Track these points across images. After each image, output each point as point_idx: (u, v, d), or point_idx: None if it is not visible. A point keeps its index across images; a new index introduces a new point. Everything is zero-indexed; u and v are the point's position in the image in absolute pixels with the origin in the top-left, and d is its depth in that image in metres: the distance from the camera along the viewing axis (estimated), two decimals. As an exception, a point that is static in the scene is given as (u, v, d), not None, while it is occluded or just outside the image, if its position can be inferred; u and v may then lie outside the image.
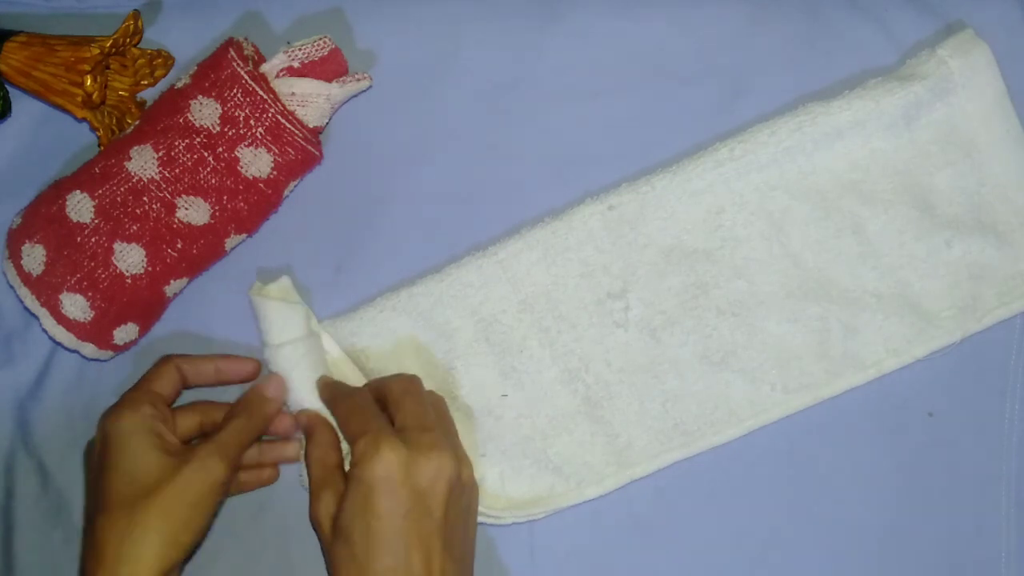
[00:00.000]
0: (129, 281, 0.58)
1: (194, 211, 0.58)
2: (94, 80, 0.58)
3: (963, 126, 0.60)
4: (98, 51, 0.58)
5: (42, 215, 0.58)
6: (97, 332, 0.58)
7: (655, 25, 0.63)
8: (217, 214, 0.58)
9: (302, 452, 0.58)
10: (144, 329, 0.61)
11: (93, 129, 0.60)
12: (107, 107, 0.62)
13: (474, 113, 0.63)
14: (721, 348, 0.60)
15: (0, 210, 0.62)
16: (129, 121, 0.62)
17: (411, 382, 0.57)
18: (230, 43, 0.58)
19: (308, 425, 0.57)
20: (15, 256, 0.57)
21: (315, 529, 0.54)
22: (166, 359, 0.58)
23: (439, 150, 0.63)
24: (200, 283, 0.62)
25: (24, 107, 0.63)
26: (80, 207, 0.57)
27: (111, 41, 0.59)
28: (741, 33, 0.62)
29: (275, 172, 0.59)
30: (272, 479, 0.61)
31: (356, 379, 0.60)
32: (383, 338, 0.60)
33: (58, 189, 0.58)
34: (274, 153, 0.58)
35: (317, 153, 0.60)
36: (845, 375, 0.60)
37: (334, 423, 0.57)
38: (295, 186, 0.61)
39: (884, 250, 0.60)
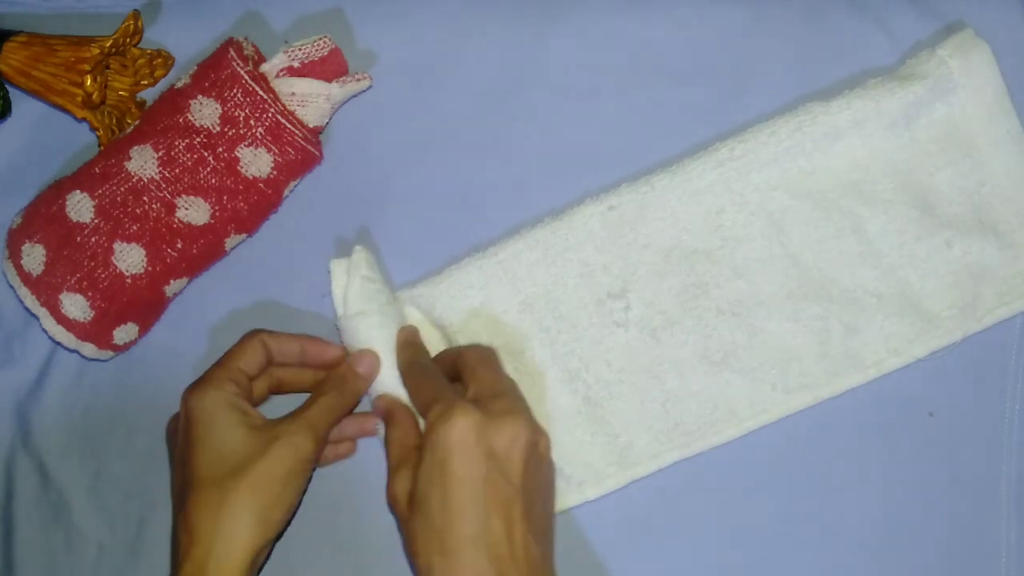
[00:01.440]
0: (129, 281, 0.58)
1: (194, 211, 0.58)
2: (94, 80, 0.58)
3: (963, 126, 0.60)
4: (98, 51, 0.59)
5: (42, 215, 0.58)
6: (97, 332, 0.58)
7: (655, 25, 0.63)
8: (217, 214, 0.58)
9: (380, 429, 0.58)
10: (144, 329, 0.61)
11: (93, 129, 0.61)
12: (107, 107, 0.62)
13: (474, 113, 0.63)
14: (721, 348, 0.60)
15: (0, 210, 0.62)
16: (129, 121, 0.62)
17: (487, 352, 0.57)
18: (230, 43, 0.58)
19: (387, 408, 0.57)
20: (15, 256, 0.57)
21: (391, 509, 0.53)
22: (253, 335, 0.57)
23: (439, 150, 0.63)
24: (200, 283, 0.62)
25: (24, 107, 0.64)
26: (80, 207, 0.57)
27: (111, 41, 0.59)
28: (741, 33, 0.62)
29: (275, 172, 0.59)
30: (349, 452, 0.60)
31: (437, 346, 0.60)
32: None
33: (58, 189, 0.58)
34: (274, 153, 0.58)
35: (317, 153, 0.60)
36: (845, 375, 0.60)
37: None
38: (295, 186, 0.61)
39: (884, 250, 0.60)
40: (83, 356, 0.59)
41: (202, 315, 0.63)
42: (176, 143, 0.57)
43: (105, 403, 0.63)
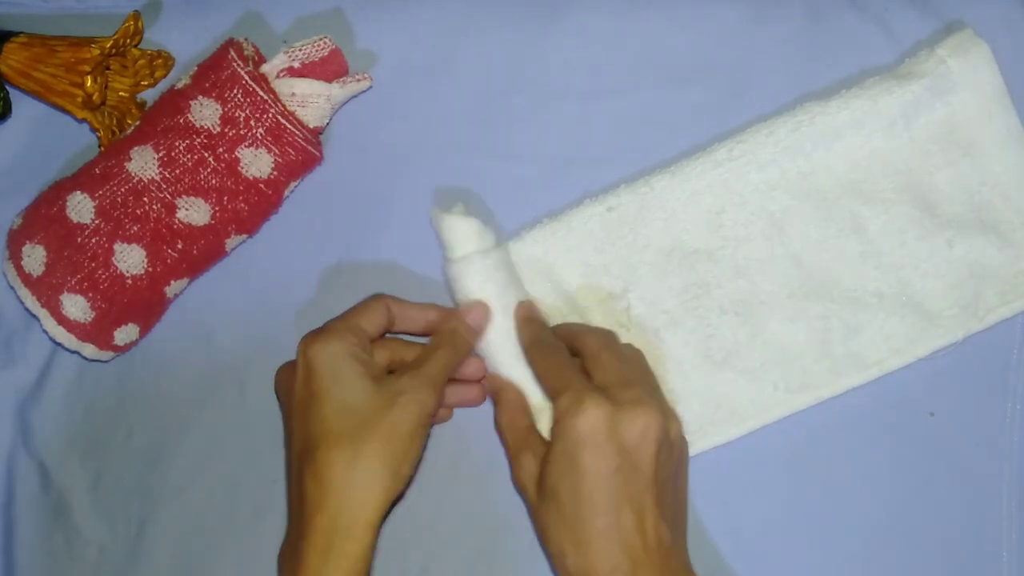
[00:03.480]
0: (129, 282, 0.58)
1: (194, 212, 0.58)
2: (94, 81, 0.58)
3: (963, 125, 0.60)
4: (98, 52, 0.58)
5: (42, 216, 0.58)
6: (98, 333, 0.58)
7: (655, 25, 0.63)
8: (217, 215, 0.58)
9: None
10: (145, 330, 0.61)
11: (93, 130, 0.60)
12: (107, 108, 0.62)
13: (474, 113, 0.63)
14: (723, 348, 0.60)
15: (0, 210, 0.62)
16: (129, 122, 0.62)
17: (608, 336, 0.56)
18: (230, 43, 0.58)
19: (495, 389, 0.57)
20: (16, 257, 0.57)
21: (520, 494, 0.53)
22: (377, 297, 0.57)
23: (439, 150, 0.63)
24: (200, 283, 0.62)
25: (24, 108, 0.64)
26: (80, 208, 0.57)
27: (111, 42, 0.59)
28: (741, 33, 0.62)
29: (275, 173, 0.59)
30: (446, 418, 0.60)
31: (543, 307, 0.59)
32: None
33: (58, 190, 0.58)
34: (274, 154, 0.58)
35: (317, 154, 0.60)
36: (847, 375, 0.59)
37: (515, 352, 0.56)
38: (295, 186, 0.61)
39: (885, 249, 0.60)
40: (84, 357, 0.59)
41: (202, 315, 0.63)
42: (176, 144, 0.57)
43: (106, 404, 0.63)
